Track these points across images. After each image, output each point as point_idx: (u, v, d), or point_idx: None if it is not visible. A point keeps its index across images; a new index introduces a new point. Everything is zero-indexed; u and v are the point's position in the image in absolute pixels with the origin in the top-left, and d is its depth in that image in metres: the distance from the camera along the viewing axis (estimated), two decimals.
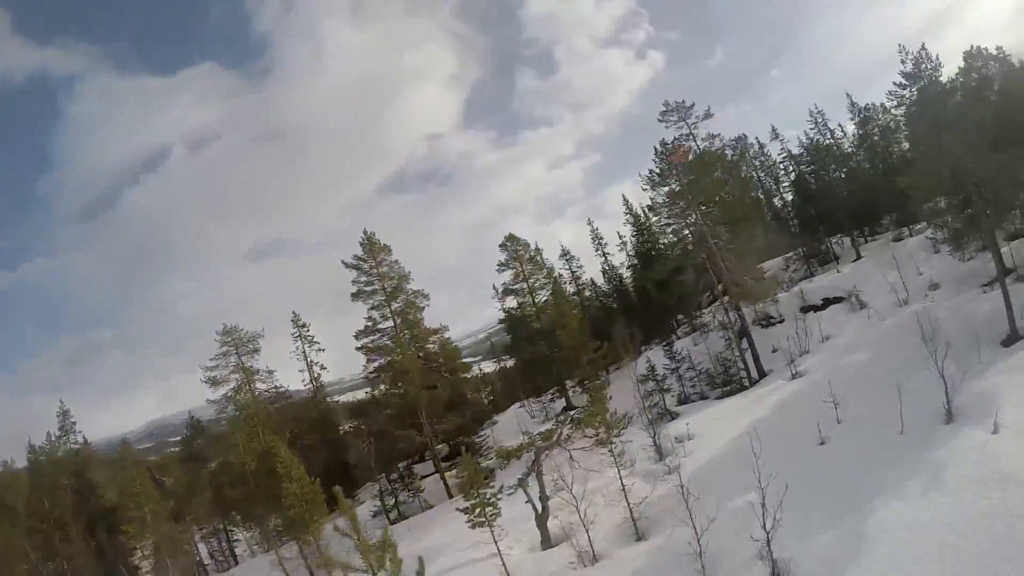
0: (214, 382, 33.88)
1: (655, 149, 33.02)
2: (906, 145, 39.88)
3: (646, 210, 41.44)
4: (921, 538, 11.41)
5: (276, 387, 35.95)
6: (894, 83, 25.39)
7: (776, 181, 50.14)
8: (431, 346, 34.42)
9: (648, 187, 33.45)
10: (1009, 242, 24.63)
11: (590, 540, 16.96)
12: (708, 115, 39.88)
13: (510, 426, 36.98)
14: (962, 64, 25.62)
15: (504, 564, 16.39)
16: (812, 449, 17.63)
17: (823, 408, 19.25)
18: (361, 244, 32.86)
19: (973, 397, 16.04)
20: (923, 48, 23.62)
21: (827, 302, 33.48)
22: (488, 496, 16.91)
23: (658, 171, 32.92)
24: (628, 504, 18.02)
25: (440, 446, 32.13)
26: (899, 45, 23.95)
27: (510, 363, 53.36)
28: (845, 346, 26.80)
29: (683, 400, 30.27)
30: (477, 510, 16.34)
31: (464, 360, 43.32)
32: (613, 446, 19.34)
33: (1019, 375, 16.49)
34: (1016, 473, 12.16)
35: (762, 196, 49.54)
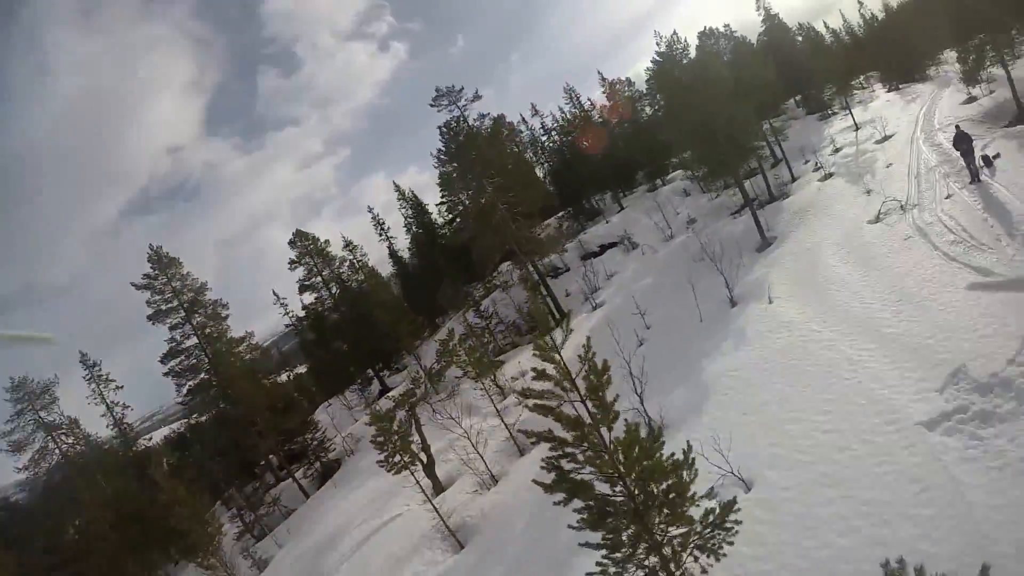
0: (18, 447, 28.97)
1: (440, 130, 35.89)
2: (649, 111, 48.27)
3: (435, 186, 43.84)
4: (743, 374, 15.54)
5: (85, 437, 31.38)
6: (652, 60, 31.49)
7: (542, 150, 55.76)
8: (244, 355, 32.69)
9: (439, 165, 35.77)
10: (746, 179, 31.46)
11: (486, 464, 18.68)
12: (477, 97, 42.23)
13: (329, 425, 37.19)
14: (697, 41, 32.73)
15: (429, 499, 16.99)
16: (637, 349, 20.88)
17: (633, 320, 23.36)
18: (149, 260, 29.76)
19: (747, 286, 21.17)
20: (674, 33, 29.77)
21: (604, 247, 38.61)
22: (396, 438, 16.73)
23: (445, 149, 35.31)
24: (507, 425, 20.26)
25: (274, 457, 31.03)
26: (655, 31, 30.24)
27: (303, 369, 52.73)
28: (630, 276, 31.75)
29: (500, 352, 32.92)
30: (396, 456, 16.40)
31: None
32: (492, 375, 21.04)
33: (777, 267, 22.12)
34: (792, 321, 17.01)
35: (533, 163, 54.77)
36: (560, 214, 49.15)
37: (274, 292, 40.78)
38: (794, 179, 32.62)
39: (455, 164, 35.21)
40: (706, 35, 36.05)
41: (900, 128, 31.25)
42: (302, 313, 40.77)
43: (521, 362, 26.57)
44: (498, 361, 30.11)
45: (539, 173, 55.28)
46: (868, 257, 19.08)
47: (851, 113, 38.75)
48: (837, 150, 33.64)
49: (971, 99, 30.04)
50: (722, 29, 37.50)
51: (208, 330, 30.99)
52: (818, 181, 29.60)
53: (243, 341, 32.72)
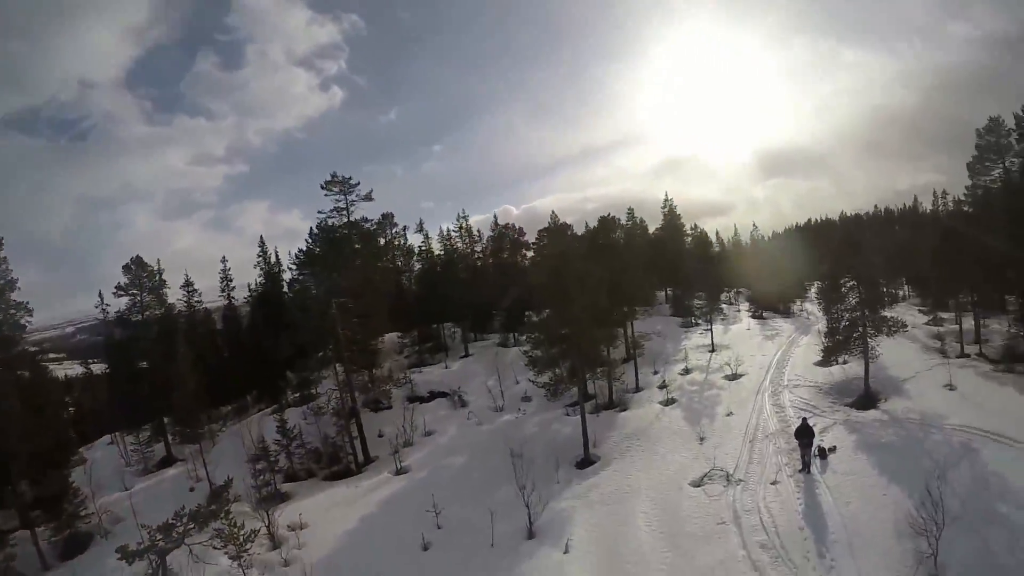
0: None
1: (311, 230, 32.64)
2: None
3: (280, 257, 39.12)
4: None
5: None
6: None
7: (409, 267, 52.44)
8: None
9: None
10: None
11: None
12: (368, 198, 40.68)
13: (103, 472, 29.55)
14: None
15: None
16: (418, 553, 17.79)
17: (426, 511, 19.48)
18: None
19: (552, 515, 18.27)
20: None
21: (433, 395, 34.84)
22: None
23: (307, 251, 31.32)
24: None
25: None
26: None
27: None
28: (446, 445, 27.75)
29: (291, 476, 27.48)
30: None
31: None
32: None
33: (587, 502, 19.18)
34: None
35: (396, 273, 51.10)
36: (405, 336, 45.28)
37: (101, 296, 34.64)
38: (639, 388, 30.80)
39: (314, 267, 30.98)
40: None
41: (751, 371, 30.63)
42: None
43: (303, 513, 21.21)
44: (284, 493, 25.05)
45: (405, 284, 51.67)
46: (678, 533, 16.56)
47: (711, 331, 38.66)
48: (687, 371, 32.51)
49: (826, 360, 29.28)
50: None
51: None
52: (659, 404, 27.65)
53: None
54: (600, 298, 26.13)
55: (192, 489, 26.07)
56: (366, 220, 41.65)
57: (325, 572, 17.42)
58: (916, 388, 24.04)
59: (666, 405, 27.40)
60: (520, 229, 53.01)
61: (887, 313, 25.04)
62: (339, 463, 28.60)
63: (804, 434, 18.77)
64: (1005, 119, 34.66)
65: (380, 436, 30.13)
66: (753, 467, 19.68)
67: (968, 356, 28.77)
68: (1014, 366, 25.39)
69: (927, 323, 39.22)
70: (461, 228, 52.76)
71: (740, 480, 18.95)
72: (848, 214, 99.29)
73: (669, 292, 57.34)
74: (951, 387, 23.45)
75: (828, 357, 25.38)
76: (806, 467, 18.64)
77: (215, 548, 16.37)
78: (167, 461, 31.45)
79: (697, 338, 40.80)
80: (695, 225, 65.44)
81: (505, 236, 51.69)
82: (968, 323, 32.54)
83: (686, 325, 45.71)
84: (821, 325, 42.88)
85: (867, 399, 23.51)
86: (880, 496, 16.28)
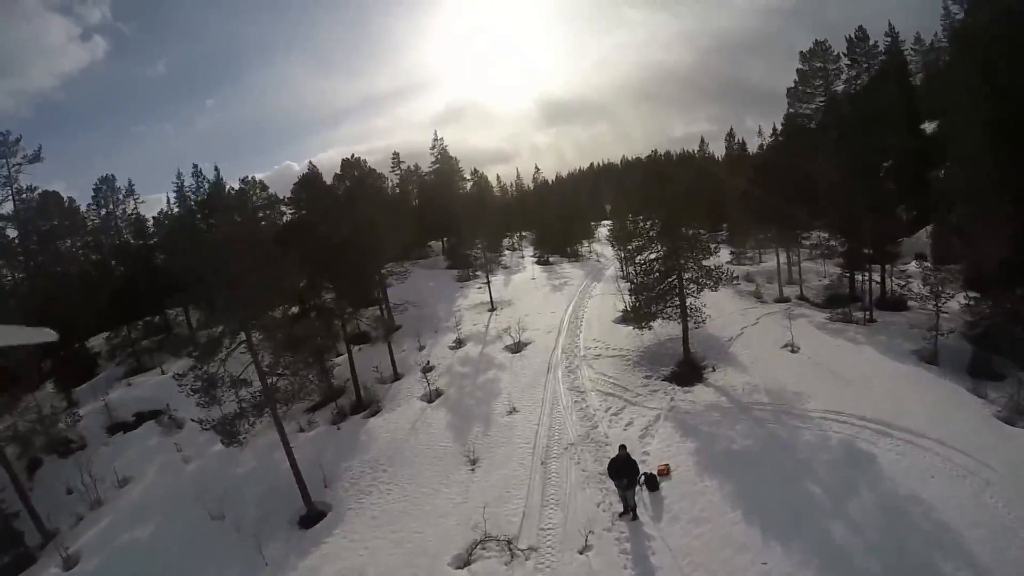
0: None
1: None
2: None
3: None
4: None
5: None
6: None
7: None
8: None
9: None
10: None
11: None
12: (38, 158, 31.42)
13: None
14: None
15: None
16: None
17: None
18: None
19: None
20: None
21: (141, 418, 23.78)
22: None
23: None
24: None
25: None
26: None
27: None
28: (137, 503, 17.54)
29: None
30: None
31: None
32: None
33: None
34: None
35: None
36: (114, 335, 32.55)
37: None
38: (397, 376, 21.93)
39: None
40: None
41: (538, 337, 23.25)
42: None
43: None
44: None
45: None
46: None
47: (489, 286, 30.88)
48: (460, 343, 24.30)
49: (626, 315, 22.75)
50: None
51: None
52: (421, 400, 19.15)
53: None
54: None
55: None
56: (31, 189, 31.95)
57: None
58: (749, 352, 18.10)
59: (430, 401, 18.99)
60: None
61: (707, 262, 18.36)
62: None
63: (625, 471, 11.10)
64: (832, 44, 32.78)
65: (69, 493, 19.15)
66: (549, 516, 11.83)
67: (788, 300, 24.32)
68: (849, 313, 20.91)
69: (730, 263, 35.50)
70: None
71: (529, 550, 10.94)
72: (629, 158, 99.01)
73: (444, 242, 49.02)
74: (792, 348, 17.81)
75: (639, 324, 18.35)
76: (630, 511, 11.19)
77: None
78: None
79: (475, 294, 32.97)
80: (475, 170, 58.22)
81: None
82: (772, 263, 28.68)
83: (463, 279, 37.87)
84: (613, 269, 38.30)
85: (690, 370, 17.05)
86: (757, 567, 9.25)
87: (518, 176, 75.90)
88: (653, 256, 17.84)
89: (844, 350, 17.34)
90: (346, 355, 21.89)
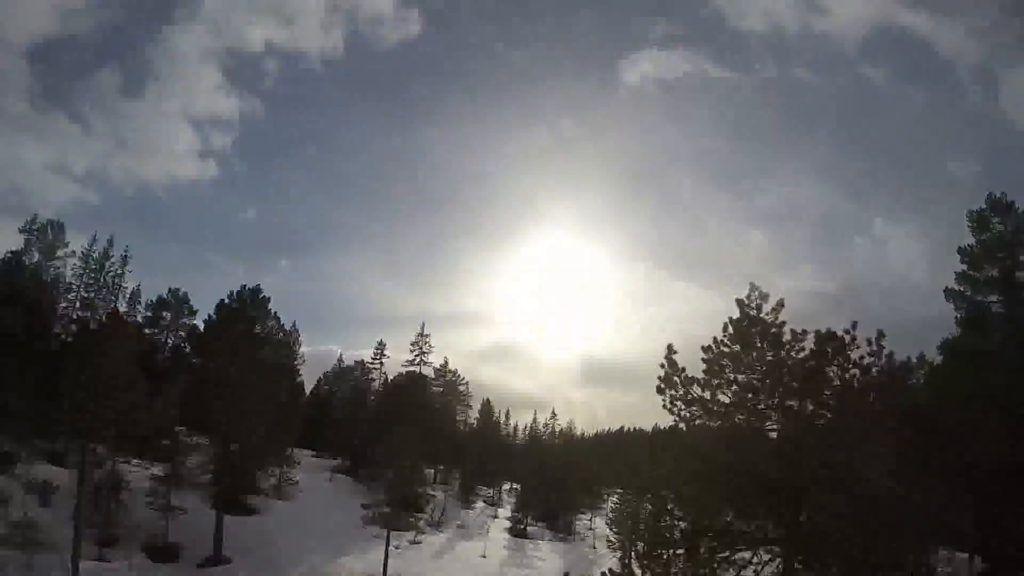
0: None
1: None
2: None
3: None
4: None
5: None
6: None
7: None
8: None
9: None
10: None
11: None
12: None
13: None
14: None
15: None
16: None
17: None
18: None
19: None
20: None
21: None
22: None
23: None
24: None
25: None
26: None
27: None
28: None
29: None
30: None
31: None
32: None
33: None
34: None
35: None
36: None
37: None
38: None
39: None
40: None
41: None
42: None
43: None
44: None
45: None
46: None
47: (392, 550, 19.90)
48: None
49: None
50: None
51: None
52: None
53: None
54: None
55: None
56: None
57: None
58: None
59: None
60: None
61: None
62: None
63: None
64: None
65: None
66: None
67: None
68: None
69: None
70: None
71: None
72: (661, 427, 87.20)
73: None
74: None
75: None
76: None
77: None
78: None
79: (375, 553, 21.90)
80: (487, 400, 51.89)
81: None
82: None
83: (388, 523, 26.71)
84: (614, 565, 26.38)
85: None
86: None
87: (534, 420, 66.42)
88: None
89: None
90: None
